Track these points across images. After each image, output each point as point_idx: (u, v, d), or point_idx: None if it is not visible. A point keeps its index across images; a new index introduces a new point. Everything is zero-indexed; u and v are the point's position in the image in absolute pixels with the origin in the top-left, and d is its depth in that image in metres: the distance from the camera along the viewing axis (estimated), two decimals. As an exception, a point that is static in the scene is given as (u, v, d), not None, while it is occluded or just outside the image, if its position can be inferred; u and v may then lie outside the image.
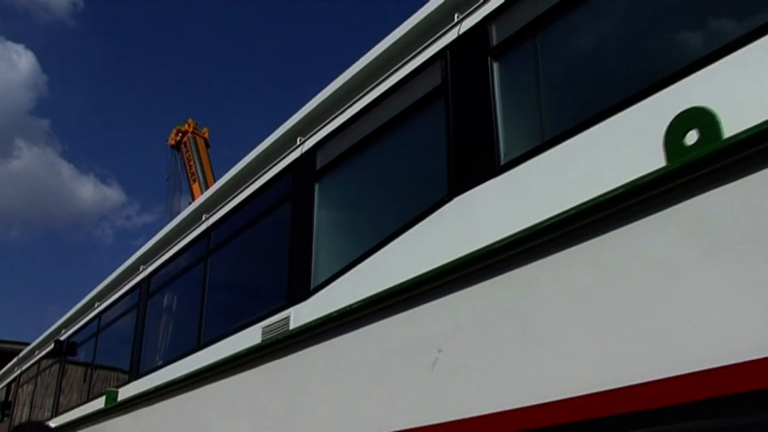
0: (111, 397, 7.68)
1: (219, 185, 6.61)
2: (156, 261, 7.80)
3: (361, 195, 5.06)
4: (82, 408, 8.80)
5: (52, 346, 10.89)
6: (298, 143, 5.48)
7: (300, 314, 4.91)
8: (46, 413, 11.24)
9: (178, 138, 33.84)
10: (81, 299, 11.15)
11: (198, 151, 32.82)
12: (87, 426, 7.87)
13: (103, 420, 7.38)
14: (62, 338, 10.78)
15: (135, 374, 7.70)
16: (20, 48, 72.44)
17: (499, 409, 3.10)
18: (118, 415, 6.99)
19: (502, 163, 3.72)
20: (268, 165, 5.86)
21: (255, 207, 5.98)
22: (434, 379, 3.45)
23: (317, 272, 4.96)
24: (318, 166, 5.24)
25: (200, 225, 6.84)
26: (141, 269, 8.16)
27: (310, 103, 5.44)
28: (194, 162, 32.32)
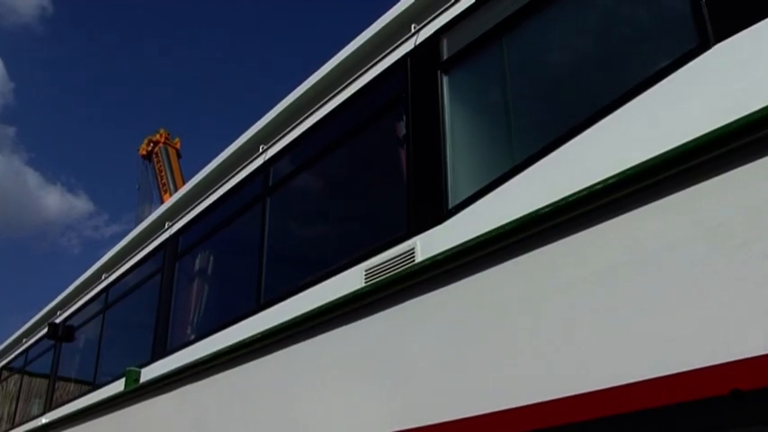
0: (133, 378, 6.29)
1: (280, 110, 5.30)
2: (187, 214, 6.45)
3: (517, 82, 3.81)
4: (88, 397, 7.37)
5: (44, 331, 9.43)
6: (412, 31, 4.22)
7: (432, 243, 3.64)
8: (36, 408, 9.75)
9: (149, 148, 33.83)
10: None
11: (169, 161, 32.84)
12: (101, 414, 6.44)
13: (125, 405, 5.97)
14: (57, 321, 9.31)
15: (161, 351, 6.32)
16: (-15, 54, 69.97)
17: None
18: (147, 397, 5.59)
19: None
20: (360, 68, 4.59)
21: (342, 122, 4.69)
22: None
23: (456, 188, 3.71)
24: (445, 56, 3.99)
25: (253, 161, 5.53)
26: (167, 226, 6.80)
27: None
28: (166, 172, 32.33)
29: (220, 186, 5.93)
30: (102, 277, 8.20)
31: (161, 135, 34.08)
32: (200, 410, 4.83)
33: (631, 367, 2.50)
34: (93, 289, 8.49)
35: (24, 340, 10.74)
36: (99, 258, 8.45)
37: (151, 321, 6.72)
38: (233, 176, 5.76)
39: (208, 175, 6.11)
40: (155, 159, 33.55)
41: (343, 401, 3.75)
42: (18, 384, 10.85)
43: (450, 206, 3.65)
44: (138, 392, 5.66)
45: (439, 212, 3.68)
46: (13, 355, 11.23)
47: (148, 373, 6.19)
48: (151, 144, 34.08)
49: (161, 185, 32.37)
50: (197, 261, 6.36)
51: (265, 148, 5.37)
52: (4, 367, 11.77)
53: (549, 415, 2.88)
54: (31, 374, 10.58)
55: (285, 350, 4.20)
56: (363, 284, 3.97)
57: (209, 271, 6.22)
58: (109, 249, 8.34)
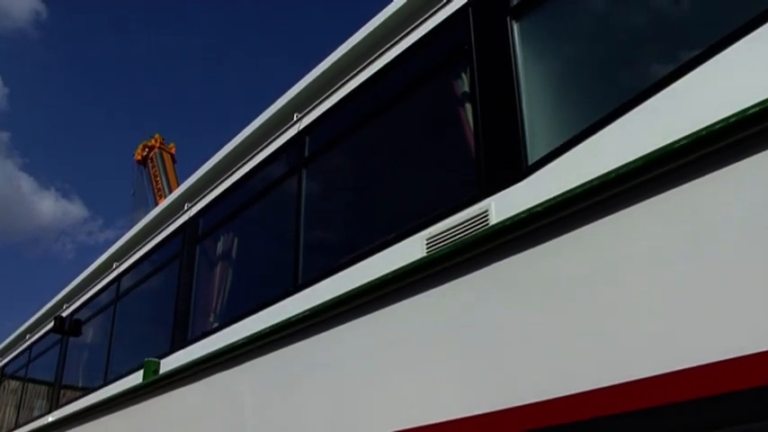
0: (152, 369, 5.86)
1: (318, 74, 4.90)
2: (209, 193, 6.03)
3: (604, 22, 3.41)
4: (101, 392, 6.93)
5: (50, 325, 8.98)
6: (474, -26, 3.83)
7: (510, 203, 3.25)
8: (41, 408, 9.30)
9: (144, 153, 33.97)
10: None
11: (164, 167, 33.03)
12: (117, 409, 5.98)
13: (145, 398, 5.52)
14: (64, 315, 8.86)
15: (180, 341, 5.91)
16: (-22, 59, 69.36)
17: None
18: (171, 387, 5.14)
19: None
20: (411, 24, 4.19)
21: (390, 83, 4.29)
22: None
23: (534, 143, 3.32)
24: (515, 1, 3.60)
25: (286, 131, 5.11)
26: (186, 207, 6.37)
27: None
28: (161, 178, 32.51)
29: (247, 161, 5.52)
30: (114, 266, 7.77)
31: (156, 140, 34.13)
32: (235, 398, 4.40)
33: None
34: (102, 279, 8.05)
35: (28, 336, 10.28)
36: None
37: (168, 310, 6.31)
38: (261, 150, 5.35)
39: (233, 151, 5.69)
40: (150, 164, 34.33)
41: (409, 381, 3.34)
42: (22, 383, 10.38)
43: (529, 162, 3.26)
44: (160, 383, 5.22)
45: (517, 170, 3.28)
46: (15, 353, 10.76)
47: (168, 364, 5.77)
48: (146, 149, 34.21)
49: (156, 191, 32.79)
50: (220, 243, 5.93)
51: (300, 116, 4.96)
52: (6, 365, 11.30)
53: (672, 389, 2.48)
54: (34, 380, 10.13)
55: (336, 329, 3.78)
56: (425, 254, 3.57)
57: (234, 253, 5.80)
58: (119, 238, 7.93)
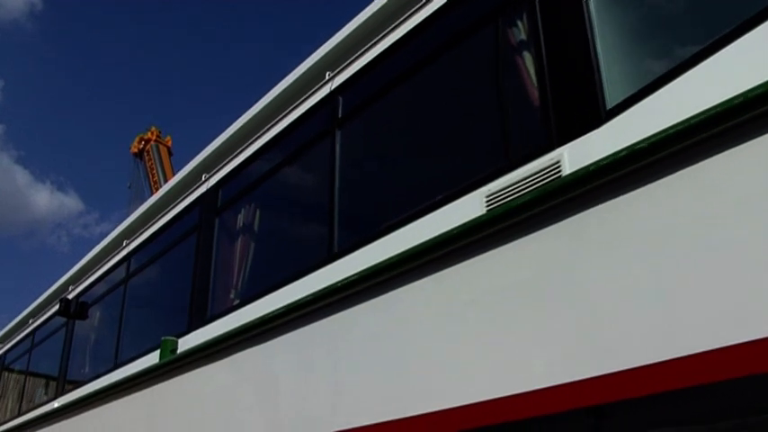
0: (169, 348, 5.53)
1: (353, 29, 4.55)
2: (230, 162, 5.68)
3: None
4: (111, 375, 6.61)
5: (56, 308, 8.64)
6: None
7: (586, 151, 2.92)
8: (46, 395, 8.97)
9: (141, 146, 34.02)
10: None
11: (161, 159, 32.98)
12: (131, 392, 5.65)
13: (164, 378, 5.17)
14: (70, 297, 8.52)
15: (199, 320, 5.57)
16: (-29, 51, 68.73)
17: None
18: (194, 366, 4.79)
19: None
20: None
21: (436, 33, 3.94)
22: None
23: (611, 88, 2.99)
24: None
25: (316, 91, 4.77)
26: (204, 178, 6.02)
27: None
28: (157, 170, 32.45)
29: (273, 125, 5.17)
30: (123, 244, 7.42)
31: (152, 133, 34.03)
32: (267, 375, 4.08)
33: None
34: (111, 258, 7.70)
35: (31, 321, 9.93)
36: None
37: (185, 288, 5.97)
38: (289, 113, 5.00)
39: (257, 115, 5.34)
40: (146, 157, 34.62)
41: (471, 352, 3.02)
42: (25, 369, 10.05)
43: (608, 107, 2.93)
44: (181, 362, 4.89)
45: (594, 115, 2.95)
46: (18, 338, 10.42)
47: (186, 343, 5.44)
48: (142, 142, 34.11)
49: (152, 183, 32.47)
50: (241, 215, 5.59)
51: (333, 74, 4.62)
52: (7, 352, 10.96)
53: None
54: (35, 374, 9.79)
55: (384, 296, 3.45)
56: (484, 211, 3.25)
57: (257, 225, 5.45)
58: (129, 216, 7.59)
